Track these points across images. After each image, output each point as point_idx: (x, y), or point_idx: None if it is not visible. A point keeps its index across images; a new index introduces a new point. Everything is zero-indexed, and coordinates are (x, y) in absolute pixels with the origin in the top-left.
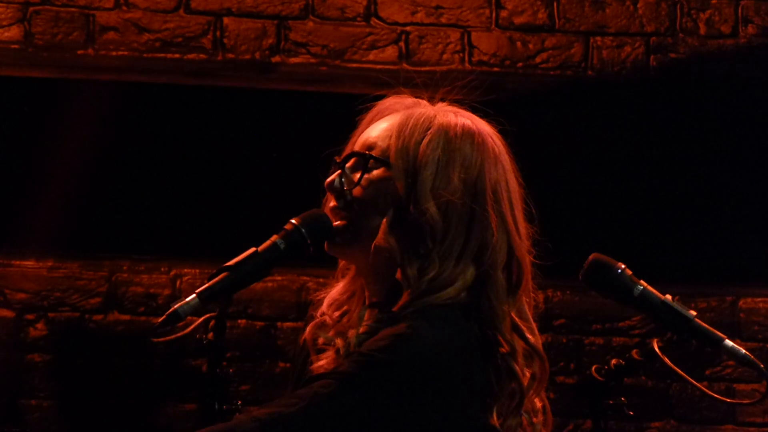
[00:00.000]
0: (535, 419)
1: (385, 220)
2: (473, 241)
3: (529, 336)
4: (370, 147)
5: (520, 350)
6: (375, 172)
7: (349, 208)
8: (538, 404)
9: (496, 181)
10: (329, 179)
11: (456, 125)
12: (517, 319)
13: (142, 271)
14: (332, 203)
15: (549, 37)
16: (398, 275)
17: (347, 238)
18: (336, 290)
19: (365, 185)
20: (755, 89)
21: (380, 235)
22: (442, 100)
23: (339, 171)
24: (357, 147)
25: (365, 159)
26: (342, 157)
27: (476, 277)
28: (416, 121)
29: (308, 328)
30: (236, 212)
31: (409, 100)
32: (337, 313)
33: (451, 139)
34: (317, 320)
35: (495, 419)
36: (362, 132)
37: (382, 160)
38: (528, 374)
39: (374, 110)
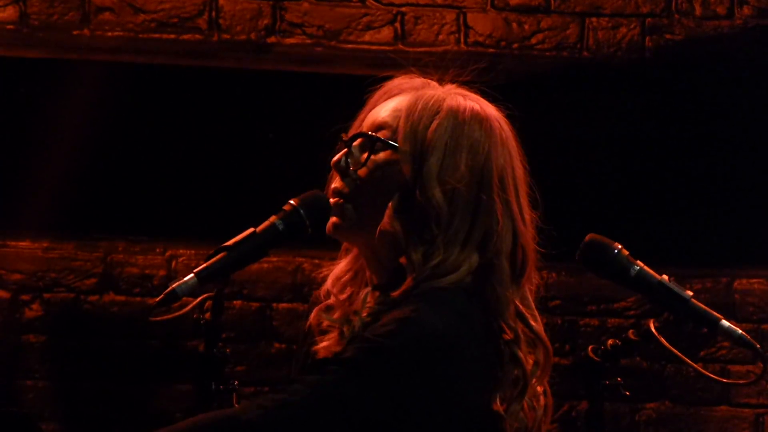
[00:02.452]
0: (536, 403)
1: (390, 204)
2: (478, 228)
3: (533, 323)
4: (379, 128)
5: (524, 337)
6: (381, 154)
7: (354, 190)
8: (539, 389)
9: (502, 167)
10: (336, 158)
11: (465, 109)
12: (521, 306)
13: (137, 251)
14: (335, 183)
15: (545, 18)
16: (402, 260)
17: (348, 222)
18: (339, 268)
19: (371, 167)
20: (751, 70)
21: (385, 219)
22: (452, 82)
23: (345, 150)
24: (365, 127)
25: (372, 141)
26: (349, 135)
27: (480, 264)
28: (425, 104)
29: (313, 312)
30: (232, 193)
31: (419, 81)
32: (342, 296)
33: (459, 124)
34: (323, 304)
35: (498, 405)
36: (370, 110)
37: (390, 143)
38: (531, 361)
39: (383, 89)
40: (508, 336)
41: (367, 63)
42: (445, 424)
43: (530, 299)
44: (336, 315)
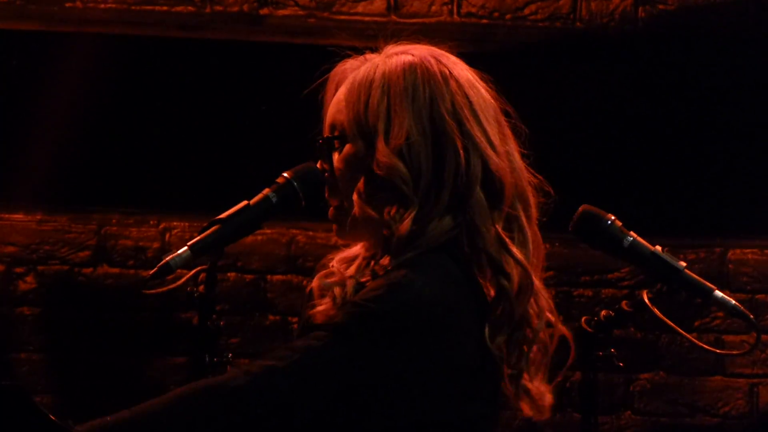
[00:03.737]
0: (534, 323)
1: (355, 191)
2: (446, 169)
3: (513, 249)
4: (332, 126)
5: (510, 263)
6: (344, 150)
7: (336, 191)
8: (550, 315)
9: (452, 102)
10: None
11: (395, 67)
12: (502, 233)
13: (131, 224)
14: (326, 192)
15: None
16: (386, 231)
17: (345, 223)
18: (351, 251)
19: (340, 166)
20: (743, 41)
21: (355, 208)
22: (386, 43)
23: (320, 160)
24: (325, 131)
25: (330, 143)
26: (319, 141)
27: (456, 199)
28: (360, 83)
29: (316, 278)
30: (225, 165)
31: (356, 61)
32: (350, 270)
33: (391, 85)
34: (326, 270)
35: (496, 343)
36: (327, 109)
37: (342, 137)
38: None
39: (330, 84)
40: (492, 269)
41: (360, 34)
42: (434, 387)
43: (522, 218)
44: (335, 279)
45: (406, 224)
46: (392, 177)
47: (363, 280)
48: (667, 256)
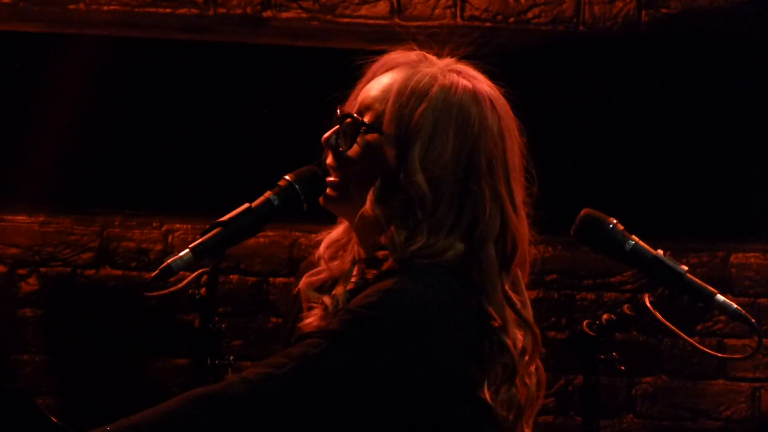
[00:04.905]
0: (528, 380)
1: (372, 189)
2: (465, 215)
3: (521, 310)
4: (368, 108)
5: (513, 323)
6: (369, 136)
7: (343, 168)
8: (531, 368)
9: (491, 151)
10: (326, 135)
11: (456, 90)
12: (510, 291)
13: (134, 226)
14: (329, 159)
15: None
16: (384, 240)
17: (339, 197)
18: (336, 232)
19: (358, 148)
20: (746, 44)
21: (367, 204)
22: (450, 55)
23: (337, 126)
24: (357, 103)
25: (359, 124)
26: (344, 109)
27: (467, 251)
28: (416, 85)
29: (303, 279)
30: (228, 167)
31: (415, 56)
32: (333, 262)
33: (448, 107)
34: (312, 271)
35: (486, 391)
36: (368, 83)
37: (375, 127)
38: (520, 344)
39: (381, 61)
40: (496, 323)
41: (363, 37)
42: (429, 393)
43: (521, 283)
44: (322, 276)
45: (408, 249)
46: (413, 196)
47: (350, 287)
48: (669, 260)
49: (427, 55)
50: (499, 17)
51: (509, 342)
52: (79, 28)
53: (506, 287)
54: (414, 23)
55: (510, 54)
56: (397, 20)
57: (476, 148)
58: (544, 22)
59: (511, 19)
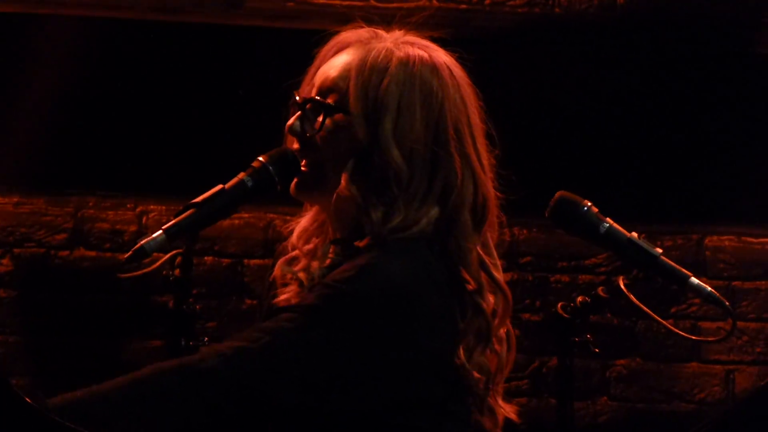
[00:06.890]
0: (498, 347)
1: (345, 168)
2: (438, 183)
3: (494, 271)
4: (330, 89)
5: (486, 286)
6: (336, 117)
7: (313, 152)
8: (501, 332)
9: (457, 117)
10: (290, 122)
11: (415, 61)
12: (482, 254)
13: (108, 207)
14: (295, 146)
15: None
16: (362, 218)
17: (310, 183)
18: (305, 220)
19: (326, 131)
20: (724, 26)
21: (342, 183)
22: (399, 28)
23: (299, 113)
24: (316, 86)
25: (322, 106)
26: (301, 95)
27: (441, 217)
28: (374, 61)
29: (277, 264)
30: (202, 149)
31: (365, 32)
32: (307, 246)
33: (410, 78)
34: (287, 256)
35: (461, 355)
36: (319, 66)
37: (342, 108)
38: (491, 308)
39: (331, 43)
40: (471, 286)
41: (339, 18)
42: (405, 368)
43: (491, 245)
44: (298, 267)
45: (386, 226)
46: (389, 171)
47: (327, 263)
48: (643, 243)
49: (377, 30)
50: (475, 0)
51: (484, 304)
52: (54, 9)
53: (479, 250)
54: (389, 5)
55: (485, 36)
56: (372, 2)
57: (442, 116)
58: (519, 5)
59: (487, 1)
